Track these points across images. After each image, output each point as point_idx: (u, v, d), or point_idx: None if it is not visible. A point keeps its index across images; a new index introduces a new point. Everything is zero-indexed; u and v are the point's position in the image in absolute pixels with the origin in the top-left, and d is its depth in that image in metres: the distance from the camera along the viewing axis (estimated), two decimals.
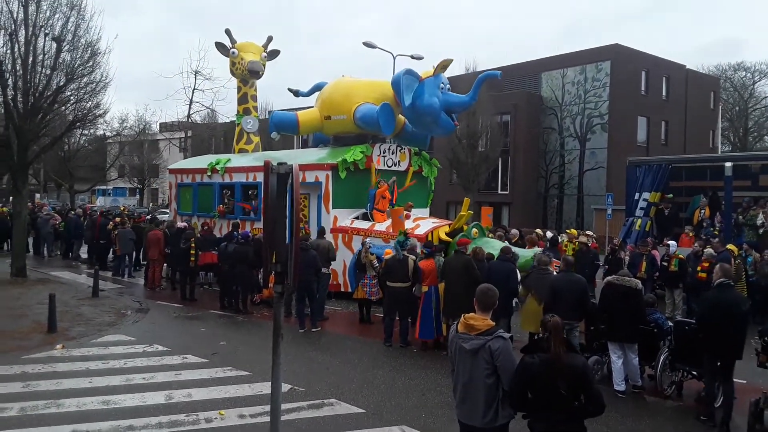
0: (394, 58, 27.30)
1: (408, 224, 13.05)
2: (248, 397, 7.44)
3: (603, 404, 4.19)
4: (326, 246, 12.35)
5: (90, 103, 16.51)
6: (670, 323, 8.22)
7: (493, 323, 4.35)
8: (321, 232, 13.07)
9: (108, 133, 41.11)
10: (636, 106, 35.75)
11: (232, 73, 19.13)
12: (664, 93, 38.14)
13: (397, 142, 16.00)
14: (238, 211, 16.51)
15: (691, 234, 15.13)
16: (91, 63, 15.84)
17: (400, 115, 15.09)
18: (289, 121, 16.96)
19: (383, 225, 13.74)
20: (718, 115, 36.36)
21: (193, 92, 32.35)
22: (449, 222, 13.68)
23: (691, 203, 16.97)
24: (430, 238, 12.36)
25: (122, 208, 25.33)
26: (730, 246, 12.65)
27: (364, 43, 25.92)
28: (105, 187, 54.45)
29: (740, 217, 14.96)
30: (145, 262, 17.00)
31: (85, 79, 15.87)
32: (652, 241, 14.37)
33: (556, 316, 4.38)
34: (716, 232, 15.13)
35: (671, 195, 17.34)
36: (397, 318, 10.39)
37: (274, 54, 19.54)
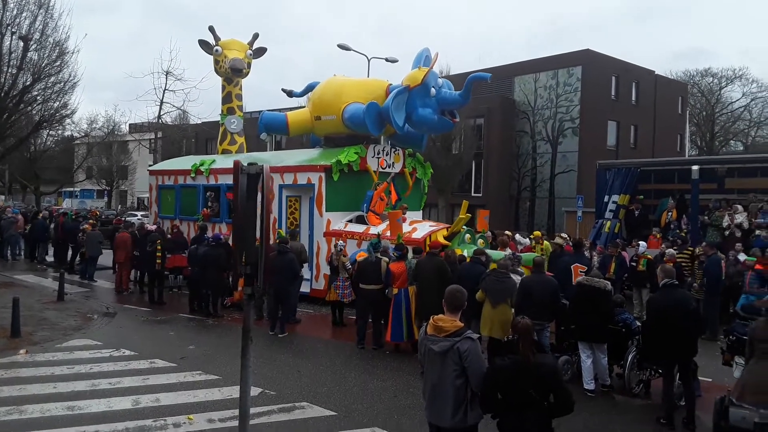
0: (369, 61, 27.42)
1: (404, 228, 12.73)
2: (218, 402, 7.33)
3: (572, 404, 4.24)
4: (298, 249, 12.27)
5: (57, 103, 16.26)
6: (638, 323, 8.35)
7: (462, 324, 4.37)
8: (293, 234, 12.96)
9: (76, 134, 40.35)
10: (606, 111, 36.36)
11: (216, 71, 18.42)
12: (633, 98, 38.85)
13: (391, 143, 15.47)
14: (224, 214, 15.84)
15: (658, 236, 15.41)
16: (58, 62, 15.63)
17: None
18: (278, 121, 16.54)
19: (378, 228, 13.22)
20: (686, 119, 37.23)
21: (163, 93, 31.88)
22: (447, 225, 13.48)
23: (659, 206, 17.29)
24: (428, 242, 12.13)
25: (94, 211, 24.84)
26: (699, 249, 12.86)
27: (339, 46, 25.93)
28: (72, 189, 53.40)
29: (706, 218, 15.30)
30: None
31: (52, 79, 15.65)
32: (621, 242, 14.60)
33: (526, 318, 4.43)
34: (683, 234, 15.45)
35: (642, 196, 17.64)
36: (370, 320, 10.37)
37: (260, 52, 18.94)
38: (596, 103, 35.41)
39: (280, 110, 18.99)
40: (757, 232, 14.26)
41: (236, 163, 4.57)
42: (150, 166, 23.91)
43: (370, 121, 13.63)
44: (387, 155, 15.07)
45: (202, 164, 16.99)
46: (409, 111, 13.35)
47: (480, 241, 12.71)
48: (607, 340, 8.03)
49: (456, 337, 4.24)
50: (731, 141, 53.62)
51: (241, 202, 4.61)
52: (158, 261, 13.66)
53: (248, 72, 18.58)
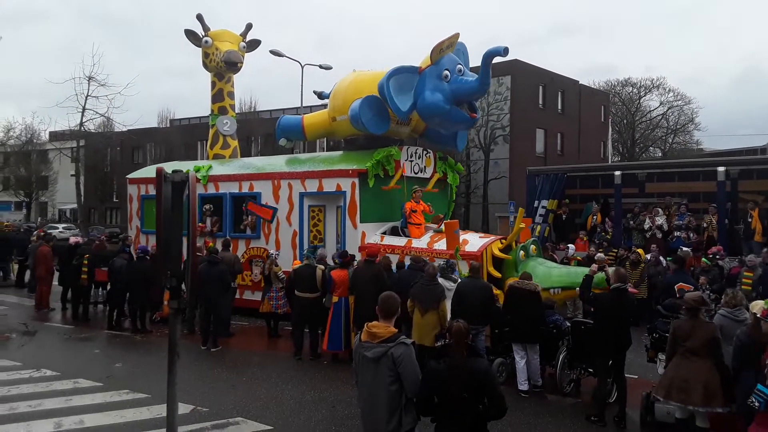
0: (302, 67, 27.30)
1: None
2: (146, 421, 7.01)
3: (505, 407, 4.27)
4: (231, 259, 11.95)
5: None
6: (568, 324, 8.60)
7: (396, 330, 4.34)
8: (226, 243, 12.61)
9: None
10: (534, 119, 37.56)
11: (205, 65, 16.39)
12: (559, 107, 40.34)
13: (424, 144, 13.87)
14: (228, 229, 14.17)
15: (585, 239, 15.96)
16: None
17: None
18: (294, 125, 15.04)
19: (422, 241, 11.68)
20: (608, 127, 38.84)
21: (86, 99, 30.50)
22: (499, 237, 11.91)
23: (585, 210, 17.94)
24: (485, 256, 10.90)
25: (11, 225, 23.24)
26: (640, 251, 13.25)
27: (271, 51, 25.59)
28: None
29: (631, 221, 15.98)
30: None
31: None
32: (551, 245, 15.05)
33: (460, 321, 4.45)
34: (608, 237, 16.07)
35: (568, 200, 18.26)
36: (307, 330, 10.21)
37: (254, 44, 17.10)
38: (525, 111, 36.53)
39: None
40: (676, 233, 15.02)
41: (159, 170, 4.38)
42: (71, 174, 22.62)
43: (366, 119, 11.84)
44: (419, 158, 13.33)
45: (197, 170, 14.58)
46: (417, 97, 11.42)
47: (532, 247, 11.44)
48: (539, 340, 8.24)
49: (390, 343, 4.22)
50: (650, 147, 56.47)
51: (165, 211, 4.41)
52: (83, 276, 12.98)
53: (242, 66, 16.84)
